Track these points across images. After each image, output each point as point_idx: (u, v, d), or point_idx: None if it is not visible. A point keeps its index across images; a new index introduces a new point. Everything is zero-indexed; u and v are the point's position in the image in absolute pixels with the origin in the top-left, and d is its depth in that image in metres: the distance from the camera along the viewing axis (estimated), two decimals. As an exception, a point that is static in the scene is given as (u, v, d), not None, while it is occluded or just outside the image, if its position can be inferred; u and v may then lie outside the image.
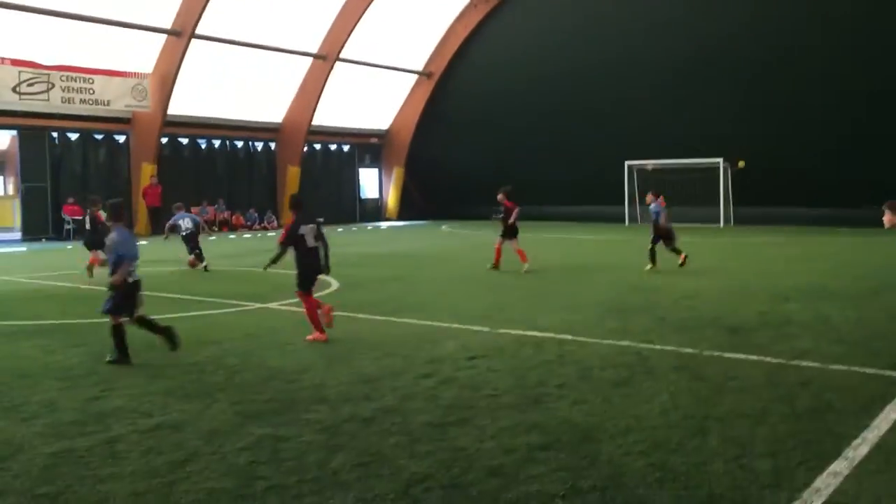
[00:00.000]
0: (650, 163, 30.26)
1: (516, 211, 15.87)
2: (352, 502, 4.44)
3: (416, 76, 38.28)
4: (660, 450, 5.18)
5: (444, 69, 37.90)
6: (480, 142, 36.11)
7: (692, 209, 28.49)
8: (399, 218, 38.81)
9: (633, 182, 31.49)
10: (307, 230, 9.22)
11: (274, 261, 9.36)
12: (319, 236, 9.34)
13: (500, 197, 16.20)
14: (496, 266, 15.94)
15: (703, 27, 29.93)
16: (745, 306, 10.91)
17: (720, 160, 28.81)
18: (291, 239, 9.21)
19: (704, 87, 29.78)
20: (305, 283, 9.25)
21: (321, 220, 10.56)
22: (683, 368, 7.35)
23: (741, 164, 27.90)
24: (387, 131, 39.75)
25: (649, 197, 16.13)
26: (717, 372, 7.20)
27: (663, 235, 15.64)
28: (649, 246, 15.62)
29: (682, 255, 15.54)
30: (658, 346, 8.39)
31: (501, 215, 16.16)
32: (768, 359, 7.69)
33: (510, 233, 15.93)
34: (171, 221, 17.80)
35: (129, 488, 4.68)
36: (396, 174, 39.29)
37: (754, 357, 7.75)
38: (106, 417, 6.12)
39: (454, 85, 37.62)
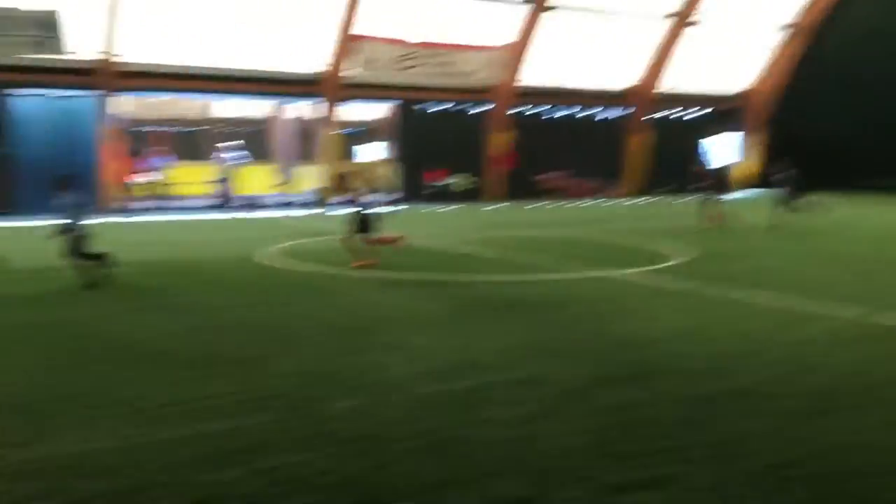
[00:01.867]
0: None
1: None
2: (708, 479, 4.35)
3: (781, 32, 35.35)
4: None
5: (819, 23, 34.36)
6: (858, 108, 32.14)
7: None
8: (756, 185, 36.36)
9: None
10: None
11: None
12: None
13: None
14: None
15: None
16: None
17: None
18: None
19: None
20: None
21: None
22: None
23: None
24: (743, 94, 37.33)
25: None
26: None
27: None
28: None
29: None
30: None
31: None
32: None
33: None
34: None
35: (494, 435, 5.05)
36: (754, 140, 36.84)
37: None
38: (473, 367, 6.64)
39: (831, 43, 33.89)
